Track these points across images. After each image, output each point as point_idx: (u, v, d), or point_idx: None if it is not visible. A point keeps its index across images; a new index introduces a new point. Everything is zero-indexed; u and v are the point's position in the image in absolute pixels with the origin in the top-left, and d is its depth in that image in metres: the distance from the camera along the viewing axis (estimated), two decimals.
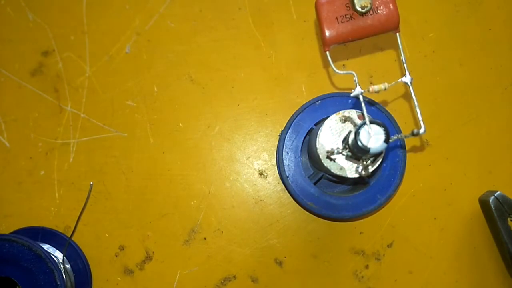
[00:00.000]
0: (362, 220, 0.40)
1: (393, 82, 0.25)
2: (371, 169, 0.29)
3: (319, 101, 0.37)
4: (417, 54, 0.42)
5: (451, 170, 0.41)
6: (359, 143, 0.25)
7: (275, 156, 0.40)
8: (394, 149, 0.37)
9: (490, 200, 0.38)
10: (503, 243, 0.38)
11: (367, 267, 0.40)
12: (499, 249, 0.39)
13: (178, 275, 0.39)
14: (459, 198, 0.41)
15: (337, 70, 0.25)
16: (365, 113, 0.25)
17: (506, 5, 0.43)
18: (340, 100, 0.37)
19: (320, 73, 0.42)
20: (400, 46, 0.26)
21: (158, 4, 0.42)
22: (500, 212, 0.38)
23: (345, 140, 0.30)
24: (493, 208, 0.38)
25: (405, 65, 0.26)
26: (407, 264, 0.40)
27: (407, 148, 0.38)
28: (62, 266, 0.36)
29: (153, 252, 0.40)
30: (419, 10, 0.43)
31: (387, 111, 0.37)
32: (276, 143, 0.40)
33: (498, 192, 0.38)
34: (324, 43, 0.25)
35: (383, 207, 0.40)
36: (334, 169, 0.30)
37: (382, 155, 0.29)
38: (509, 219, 0.38)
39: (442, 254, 0.40)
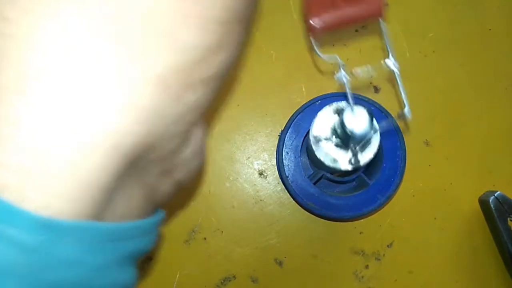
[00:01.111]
0: (362, 220, 0.40)
1: (376, 65, 0.25)
2: (362, 159, 0.29)
3: (319, 101, 0.38)
4: (417, 54, 0.42)
5: (451, 170, 0.41)
6: (344, 128, 0.26)
7: (275, 156, 0.40)
8: (394, 149, 0.37)
9: (490, 200, 0.38)
10: (503, 243, 0.38)
11: (367, 267, 0.40)
12: (499, 249, 0.39)
13: (178, 275, 0.39)
14: (459, 198, 0.41)
15: (321, 55, 0.25)
16: (350, 96, 0.26)
17: (506, 5, 0.43)
18: (340, 100, 0.37)
19: (320, 73, 0.42)
20: (384, 31, 0.26)
21: None
22: (500, 212, 0.38)
23: (333, 127, 0.30)
24: (493, 208, 0.38)
25: (388, 47, 0.26)
26: (407, 264, 0.40)
27: (407, 148, 0.38)
28: None
29: (152, 252, 0.40)
30: (419, 10, 0.43)
31: (384, 109, 0.37)
32: (276, 143, 0.40)
33: (498, 192, 0.38)
34: (309, 31, 0.25)
35: (383, 207, 0.40)
36: (328, 161, 0.30)
37: (373, 144, 0.30)
38: (509, 219, 0.38)
39: (442, 254, 0.40)
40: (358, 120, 0.26)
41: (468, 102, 0.42)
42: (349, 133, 0.26)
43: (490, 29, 0.43)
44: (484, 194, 0.40)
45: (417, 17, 0.43)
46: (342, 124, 0.26)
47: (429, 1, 0.43)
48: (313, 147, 0.30)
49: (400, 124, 0.38)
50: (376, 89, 0.41)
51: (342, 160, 0.30)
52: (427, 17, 0.43)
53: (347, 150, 0.30)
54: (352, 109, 0.26)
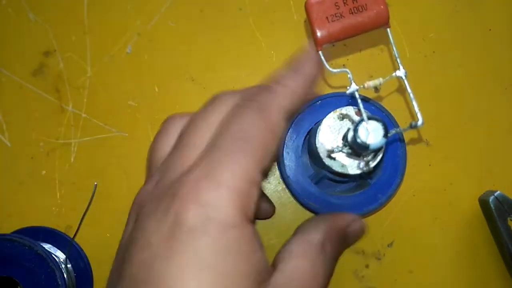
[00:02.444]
0: (362, 219, 0.40)
1: (388, 77, 0.25)
2: (372, 164, 0.29)
3: (320, 101, 0.38)
4: (417, 54, 0.42)
5: (451, 170, 0.41)
6: (358, 140, 0.25)
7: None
8: (395, 149, 0.37)
9: (490, 200, 0.38)
10: (503, 243, 0.38)
11: (367, 266, 0.40)
12: (499, 249, 0.40)
13: None
14: (459, 198, 0.41)
15: (331, 69, 0.25)
16: (362, 110, 0.25)
17: (506, 5, 0.43)
18: (341, 100, 0.37)
19: (320, 73, 0.42)
20: (392, 41, 0.26)
21: (159, 5, 0.43)
22: (500, 212, 0.38)
23: (345, 137, 0.30)
24: (493, 208, 0.38)
25: (398, 59, 0.26)
26: (407, 264, 0.40)
27: (407, 148, 0.38)
28: (63, 266, 0.36)
29: None
30: (419, 10, 0.43)
31: (386, 110, 0.37)
32: None
33: (498, 192, 0.39)
34: (316, 43, 0.25)
35: (383, 207, 0.40)
36: (336, 167, 0.30)
37: (383, 149, 0.30)
38: (509, 219, 0.38)
39: (442, 254, 0.40)
40: (373, 134, 0.25)
41: (468, 102, 0.42)
42: (365, 147, 0.25)
43: (490, 29, 0.43)
44: (484, 194, 0.40)
45: (417, 17, 0.43)
46: (356, 137, 0.26)
47: (429, 1, 0.43)
48: (321, 155, 0.30)
49: (401, 124, 0.38)
50: (376, 89, 0.41)
51: (350, 165, 0.30)
52: (427, 17, 0.43)
53: (359, 158, 0.30)
54: (366, 122, 0.25)
